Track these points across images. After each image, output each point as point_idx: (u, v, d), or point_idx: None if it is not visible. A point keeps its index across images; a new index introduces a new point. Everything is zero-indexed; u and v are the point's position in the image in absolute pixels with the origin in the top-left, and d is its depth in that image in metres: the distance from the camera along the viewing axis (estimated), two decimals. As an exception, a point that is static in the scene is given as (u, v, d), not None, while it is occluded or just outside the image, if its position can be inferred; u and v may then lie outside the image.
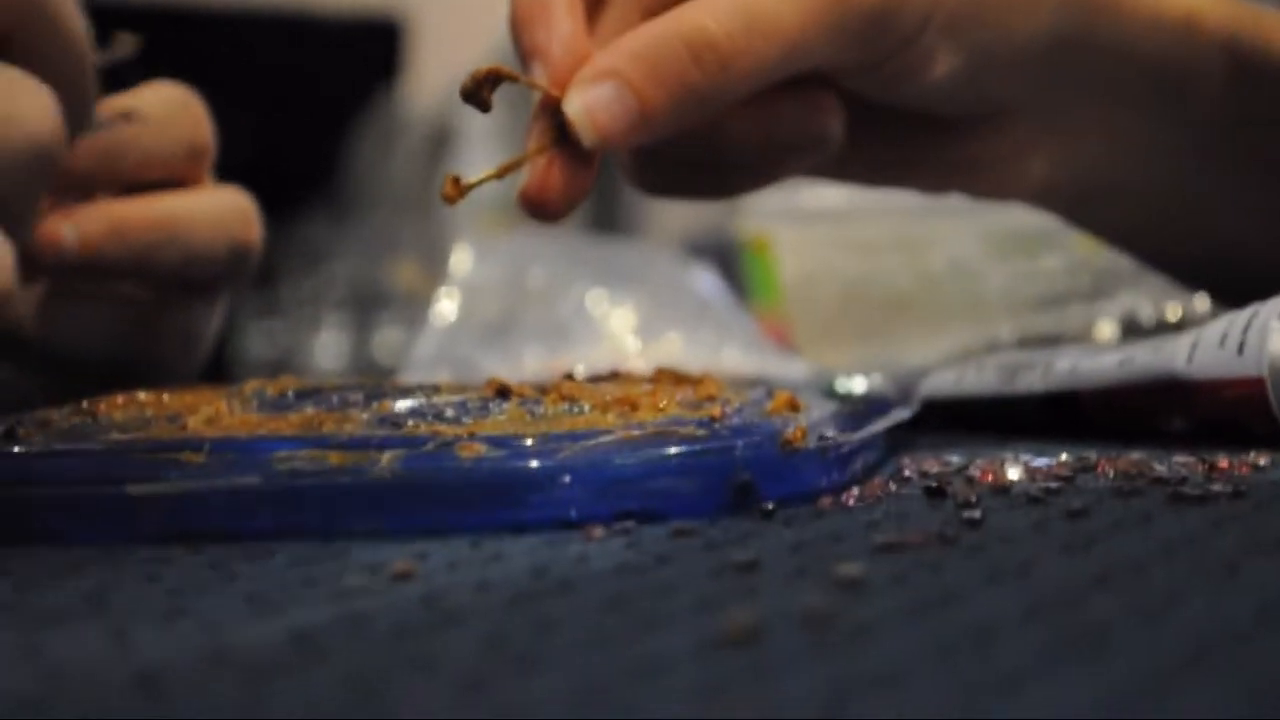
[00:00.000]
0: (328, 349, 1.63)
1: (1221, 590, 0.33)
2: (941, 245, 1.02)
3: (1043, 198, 0.70)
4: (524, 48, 0.57)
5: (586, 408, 0.48)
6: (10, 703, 0.27)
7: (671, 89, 0.54)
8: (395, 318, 1.62)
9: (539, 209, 0.55)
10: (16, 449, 0.45)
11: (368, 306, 1.66)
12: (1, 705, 0.27)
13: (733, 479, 0.44)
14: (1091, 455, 0.51)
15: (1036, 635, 0.29)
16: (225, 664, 0.29)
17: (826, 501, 0.46)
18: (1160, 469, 0.48)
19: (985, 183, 0.68)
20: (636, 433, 0.44)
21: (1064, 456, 0.52)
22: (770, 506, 0.44)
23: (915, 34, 0.58)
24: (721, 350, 0.96)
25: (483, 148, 1.70)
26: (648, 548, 0.39)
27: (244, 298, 1.30)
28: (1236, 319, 0.53)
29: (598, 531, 0.41)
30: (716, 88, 0.55)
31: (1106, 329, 0.81)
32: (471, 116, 1.65)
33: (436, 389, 0.52)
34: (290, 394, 0.53)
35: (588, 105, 0.54)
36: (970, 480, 0.48)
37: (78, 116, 0.48)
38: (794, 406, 0.50)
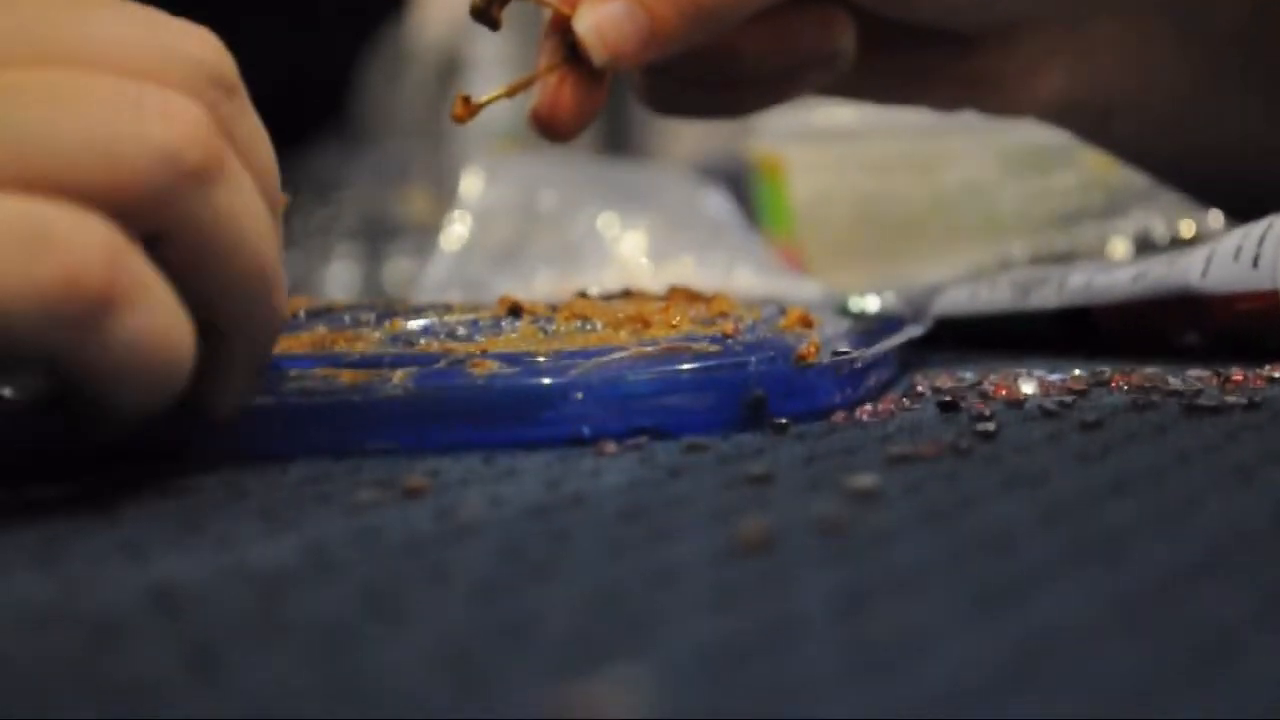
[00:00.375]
0: (339, 279, 1.63)
1: (1236, 496, 0.33)
2: (954, 164, 1.02)
3: (1058, 113, 0.69)
4: None
5: (599, 325, 0.48)
6: (25, 612, 0.27)
7: (682, 5, 0.54)
8: (406, 247, 1.62)
9: (550, 128, 0.55)
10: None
11: (379, 236, 1.65)
12: (16, 614, 0.27)
13: (746, 395, 0.44)
14: (1105, 370, 0.51)
15: (1052, 541, 0.29)
16: (239, 578, 0.29)
17: (840, 417, 0.45)
18: (1175, 382, 0.48)
19: (1000, 98, 0.68)
20: (649, 349, 0.44)
21: (1078, 371, 0.52)
22: (783, 422, 0.44)
23: None
24: (733, 272, 0.96)
25: (493, 76, 1.69)
26: (660, 462, 0.39)
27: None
28: (1251, 231, 0.53)
29: (610, 447, 0.41)
30: (727, 3, 0.54)
31: (1120, 247, 0.80)
32: (482, 43, 1.65)
33: (449, 308, 0.52)
34: (302, 314, 0.53)
35: (598, 23, 0.53)
36: (984, 395, 0.48)
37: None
38: (807, 323, 0.50)
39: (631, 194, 1.02)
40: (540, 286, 0.92)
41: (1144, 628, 0.24)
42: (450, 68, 1.87)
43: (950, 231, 1.01)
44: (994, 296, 0.64)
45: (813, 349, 0.46)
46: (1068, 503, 0.33)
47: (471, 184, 1.01)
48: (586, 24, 0.53)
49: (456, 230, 0.99)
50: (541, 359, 0.44)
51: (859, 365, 0.48)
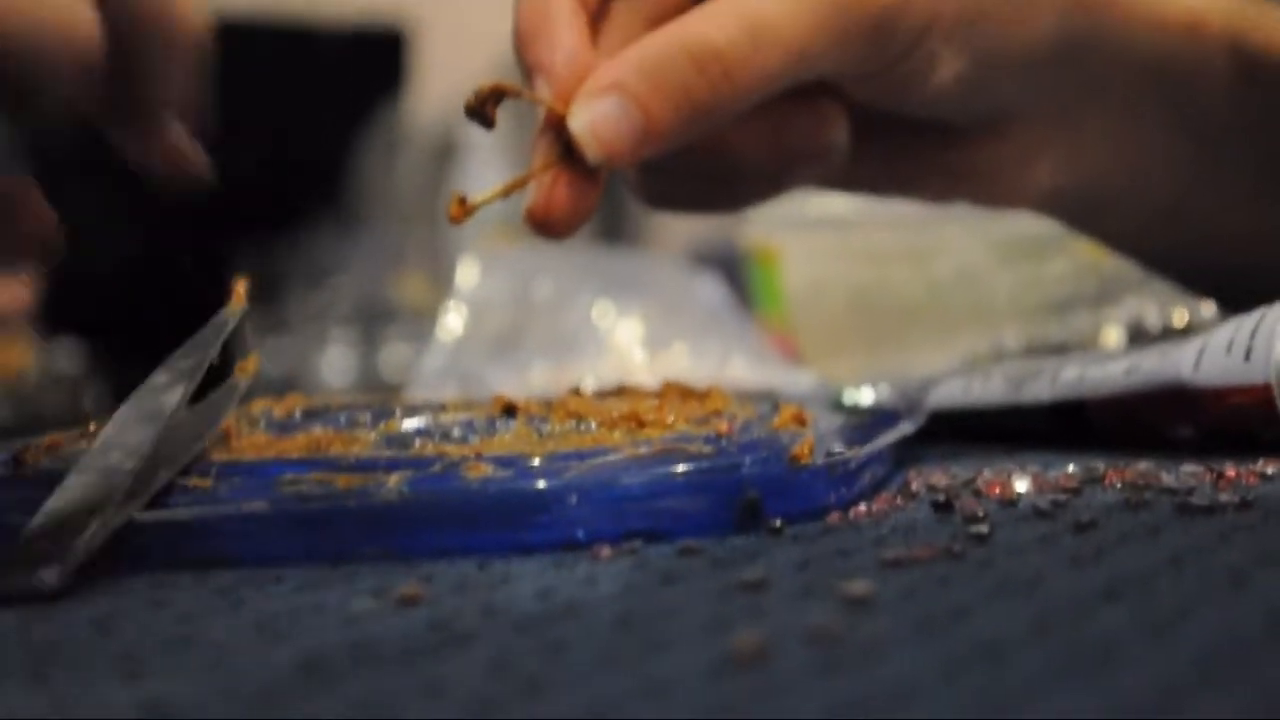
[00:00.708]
0: (334, 365, 1.63)
1: (1229, 602, 0.33)
2: (947, 253, 1.02)
3: (1049, 204, 0.70)
4: (528, 63, 0.57)
5: (593, 425, 0.48)
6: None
7: (676, 102, 0.54)
8: (402, 332, 1.62)
9: (545, 227, 0.55)
10: (21, 475, 0.45)
11: (374, 321, 1.66)
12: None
13: (740, 497, 0.44)
14: (1099, 466, 0.51)
15: (1045, 650, 0.29)
16: (233, 692, 0.29)
17: (834, 517, 0.45)
18: (1168, 479, 0.48)
19: (991, 190, 0.68)
20: (643, 451, 0.44)
21: (1071, 468, 0.52)
22: (778, 524, 0.44)
23: (918, 40, 0.58)
24: (728, 361, 0.96)
25: (488, 159, 1.70)
26: (655, 567, 0.39)
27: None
28: (1243, 324, 0.53)
29: (605, 551, 0.41)
30: (721, 99, 0.55)
31: (1113, 335, 0.81)
32: (477, 129, 1.66)
33: (443, 408, 0.52)
34: (297, 414, 0.53)
35: (592, 121, 0.54)
36: (977, 493, 0.48)
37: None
38: (801, 420, 0.50)
39: (626, 282, 1.03)
40: (536, 378, 0.92)
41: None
42: (446, 152, 1.87)
43: (944, 320, 1.01)
44: (987, 390, 0.64)
45: (807, 449, 0.46)
46: (1060, 610, 0.33)
47: (466, 274, 1.02)
48: (581, 122, 0.54)
49: (452, 321, 0.99)
50: (536, 462, 0.44)
51: (853, 465, 0.48)
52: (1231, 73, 0.66)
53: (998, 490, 0.48)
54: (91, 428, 0.49)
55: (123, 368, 0.75)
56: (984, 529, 0.41)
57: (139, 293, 1.79)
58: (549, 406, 0.50)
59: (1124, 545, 0.39)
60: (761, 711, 0.26)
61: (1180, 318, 0.79)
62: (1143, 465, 0.51)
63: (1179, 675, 0.27)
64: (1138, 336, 0.79)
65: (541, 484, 0.43)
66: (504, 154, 1.66)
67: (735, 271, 1.22)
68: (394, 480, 0.43)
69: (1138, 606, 0.33)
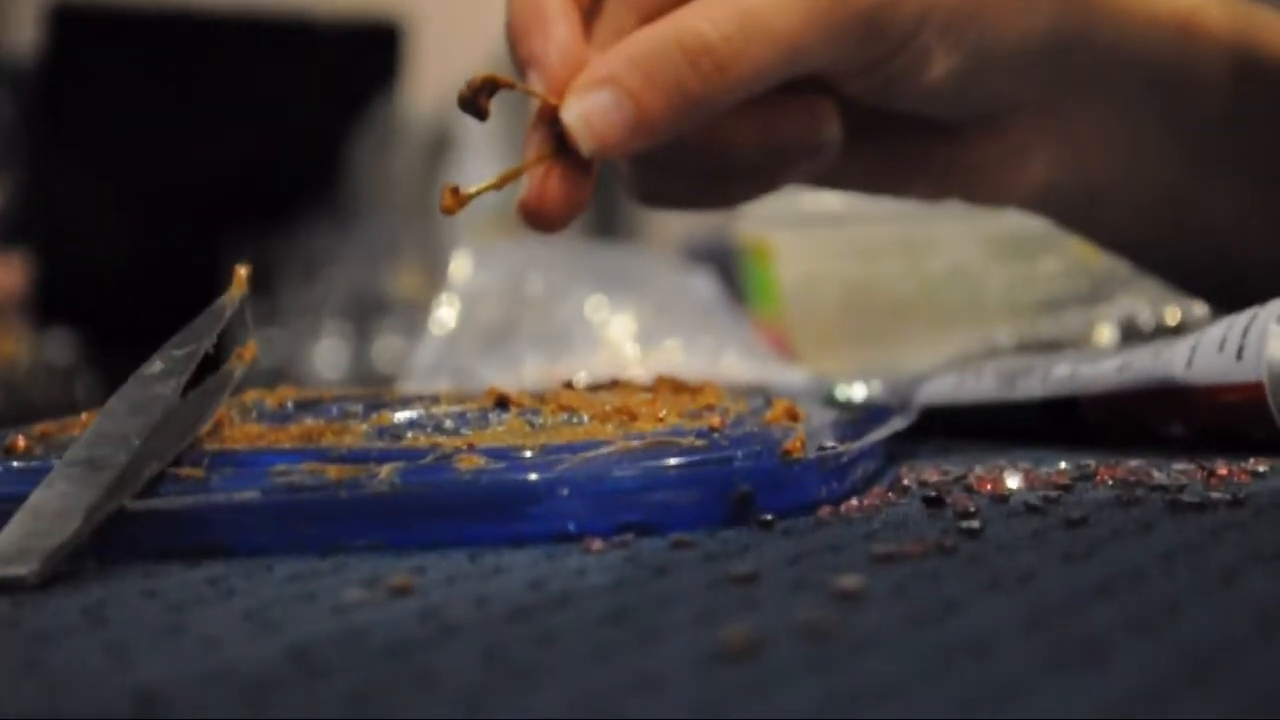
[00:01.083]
0: (327, 357, 1.63)
1: (1219, 600, 0.33)
2: (941, 249, 1.03)
3: (1041, 201, 0.70)
4: (521, 57, 0.57)
5: (585, 418, 0.48)
6: (7, 714, 0.27)
7: (669, 94, 0.54)
8: (395, 325, 1.62)
9: (539, 220, 0.55)
10: (14, 463, 0.45)
11: (367, 313, 1.66)
12: (-1, 720, 0.27)
13: (732, 491, 0.44)
14: (1091, 463, 0.51)
15: (1035, 646, 0.29)
16: (224, 681, 0.29)
17: (826, 511, 0.46)
18: (1159, 476, 0.48)
19: (984, 188, 0.68)
20: (635, 444, 0.44)
21: (1063, 464, 0.52)
22: (769, 517, 0.44)
23: (911, 35, 0.58)
24: (721, 357, 0.96)
25: (483, 152, 1.70)
26: (646, 560, 0.39)
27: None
28: (1235, 323, 0.53)
29: (596, 544, 0.41)
30: (714, 92, 0.55)
31: (1105, 332, 0.81)
32: (471, 121, 1.66)
33: (436, 399, 0.52)
34: (290, 405, 0.53)
35: (585, 113, 0.54)
36: (969, 489, 0.48)
37: None
38: (793, 415, 0.50)
39: (619, 277, 1.03)
40: (529, 372, 0.92)
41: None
42: (440, 145, 1.88)
43: (936, 316, 1.01)
44: (979, 386, 0.64)
45: (799, 443, 0.46)
46: (1051, 606, 0.33)
47: (460, 268, 1.02)
48: (574, 113, 0.54)
49: (445, 314, 0.99)
50: (528, 454, 0.44)
51: (845, 460, 0.48)
52: (1226, 72, 0.66)
53: (989, 486, 0.48)
54: (83, 417, 0.49)
55: (115, 357, 0.75)
56: (975, 525, 0.41)
57: (132, 283, 1.79)
58: (541, 399, 0.50)
59: (1115, 542, 0.39)
60: (751, 704, 0.26)
61: (1173, 316, 0.79)
62: (1134, 462, 0.51)
63: (1169, 672, 0.27)
64: (1130, 334, 0.79)
65: (533, 476, 0.43)
66: (498, 147, 1.66)
67: (729, 267, 1.22)
68: (386, 471, 0.43)
69: (1128, 603, 0.33)
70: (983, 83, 0.63)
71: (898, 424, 0.56)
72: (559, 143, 0.55)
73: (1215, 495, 0.44)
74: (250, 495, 0.42)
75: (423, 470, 0.43)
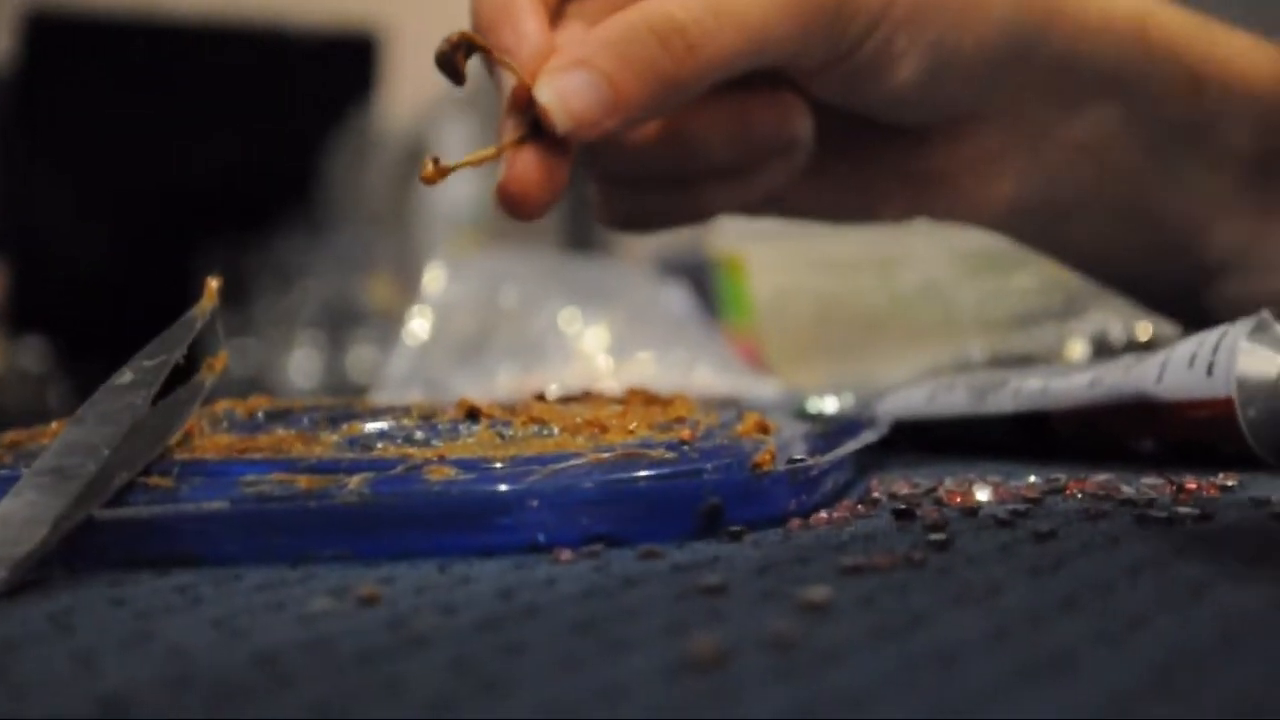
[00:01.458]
0: (301, 366, 1.63)
1: (1186, 613, 0.33)
2: (913, 264, 1.03)
3: (1010, 219, 0.70)
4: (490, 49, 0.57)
5: (556, 430, 0.48)
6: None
7: (642, 75, 0.54)
8: (369, 335, 1.62)
9: (517, 204, 0.55)
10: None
11: (341, 324, 1.66)
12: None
13: (701, 503, 0.44)
14: (1060, 476, 0.52)
15: (1003, 658, 0.30)
16: (191, 688, 0.29)
17: (795, 524, 0.46)
18: (1128, 490, 0.48)
19: (953, 202, 0.69)
20: (605, 456, 0.44)
21: (1032, 478, 0.52)
22: (738, 529, 0.44)
23: (873, 26, 0.59)
24: (694, 369, 0.96)
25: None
26: (615, 571, 0.39)
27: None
28: (1206, 339, 0.54)
29: (565, 555, 0.41)
30: (685, 72, 0.55)
31: (1077, 348, 0.81)
32: (448, 130, 1.65)
33: (407, 410, 0.52)
34: (260, 415, 0.53)
35: (560, 91, 0.54)
36: (939, 502, 0.48)
37: None
38: (764, 428, 0.50)
39: (593, 290, 1.03)
40: (502, 383, 0.92)
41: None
42: (415, 156, 1.87)
43: (909, 330, 1.01)
44: (950, 400, 0.64)
45: (768, 456, 0.46)
46: (1018, 618, 0.33)
47: (434, 279, 1.02)
48: (548, 93, 0.54)
49: (418, 325, 0.99)
50: (498, 465, 0.44)
51: (815, 473, 0.48)
52: (1186, 77, 0.66)
53: (959, 499, 0.48)
54: (53, 426, 0.49)
55: (88, 365, 0.75)
56: (944, 537, 0.41)
57: (106, 291, 1.79)
58: (512, 411, 0.50)
59: (1083, 555, 0.39)
60: (719, 715, 0.26)
61: (1144, 331, 0.79)
62: (1103, 476, 0.51)
63: (1135, 684, 0.28)
64: (1102, 350, 0.79)
65: (503, 487, 0.43)
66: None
67: (702, 280, 1.23)
68: (355, 482, 0.43)
69: (1095, 616, 0.33)
70: (946, 84, 0.63)
71: (868, 437, 0.56)
72: (533, 128, 0.55)
73: (1183, 510, 0.44)
74: (219, 505, 0.42)
75: (392, 481, 0.43)
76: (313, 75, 1.92)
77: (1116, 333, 0.80)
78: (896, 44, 0.60)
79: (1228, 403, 0.52)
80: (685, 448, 0.46)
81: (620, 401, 0.55)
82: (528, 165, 0.55)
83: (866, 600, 0.35)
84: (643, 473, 0.44)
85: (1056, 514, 0.46)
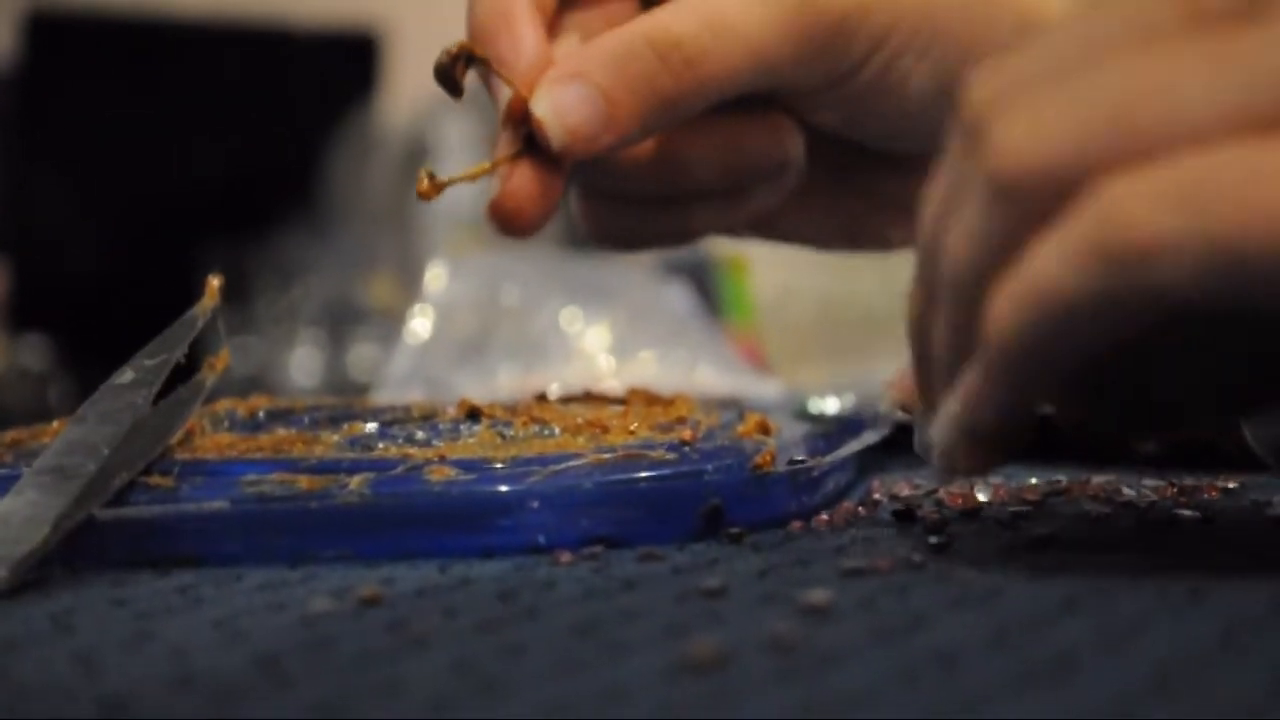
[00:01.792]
0: (303, 365, 1.63)
1: (1186, 616, 0.33)
2: (915, 264, 1.03)
3: None
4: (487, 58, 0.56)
5: (557, 430, 0.48)
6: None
7: (639, 91, 0.54)
8: (370, 334, 1.62)
9: (509, 220, 0.55)
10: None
11: (343, 322, 1.66)
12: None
13: (702, 504, 0.44)
14: (1061, 478, 0.52)
15: (1002, 661, 0.30)
16: (191, 689, 0.29)
17: (796, 525, 0.46)
18: (1129, 493, 0.48)
19: None
20: (606, 457, 0.44)
21: (1033, 480, 0.52)
22: (739, 531, 0.44)
23: (876, 48, 0.58)
24: (695, 369, 0.96)
25: (459, 162, 1.70)
26: (615, 573, 0.39)
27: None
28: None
29: (566, 556, 0.41)
30: (683, 89, 0.55)
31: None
32: (449, 129, 1.66)
33: (408, 410, 0.52)
34: (261, 414, 0.53)
35: (556, 105, 0.54)
36: (939, 504, 0.48)
37: None
38: (765, 429, 0.50)
39: (594, 289, 1.03)
40: (503, 382, 0.92)
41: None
42: (416, 155, 1.87)
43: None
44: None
45: (769, 457, 0.46)
46: (1018, 621, 0.33)
47: (435, 278, 1.02)
48: (544, 106, 0.54)
49: (419, 324, 0.99)
50: (499, 466, 0.44)
51: (816, 474, 0.48)
52: None
53: (960, 501, 0.48)
54: (54, 425, 0.49)
55: (90, 364, 0.75)
56: (944, 539, 0.41)
57: (108, 290, 1.79)
58: (513, 411, 0.50)
59: (1083, 558, 0.39)
60: (719, 717, 0.26)
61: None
62: (1104, 478, 0.51)
63: (1135, 687, 0.28)
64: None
65: (504, 488, 0.43)
66: (474, 157, 1.66)
67: (704, 279, 1.23)
68: (356, 482, 0.43)
69: (1096, 618, 0.33)
70: (947, 111, 0.63)
71: (870, 438, 0.56)
72: (528, 142, 0.54)
73: (1184, 512, 0.44)
74: (220, 505, 0.42)
75: (393, 481, 0.43)
76: (314, 74, 1.92)
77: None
78: (898, 69, 0.59)
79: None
80: (686, 449, 0.46)
81: (621, 402, 0.55)
82: (522, 181, 0.54)
83: (867, 602, 0.35)
84: (643, 474, 0.44)
85: (1057, 516, 0.46)
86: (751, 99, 0.59)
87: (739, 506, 0.44)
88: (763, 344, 1.11)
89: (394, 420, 0.50)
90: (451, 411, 0.51)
